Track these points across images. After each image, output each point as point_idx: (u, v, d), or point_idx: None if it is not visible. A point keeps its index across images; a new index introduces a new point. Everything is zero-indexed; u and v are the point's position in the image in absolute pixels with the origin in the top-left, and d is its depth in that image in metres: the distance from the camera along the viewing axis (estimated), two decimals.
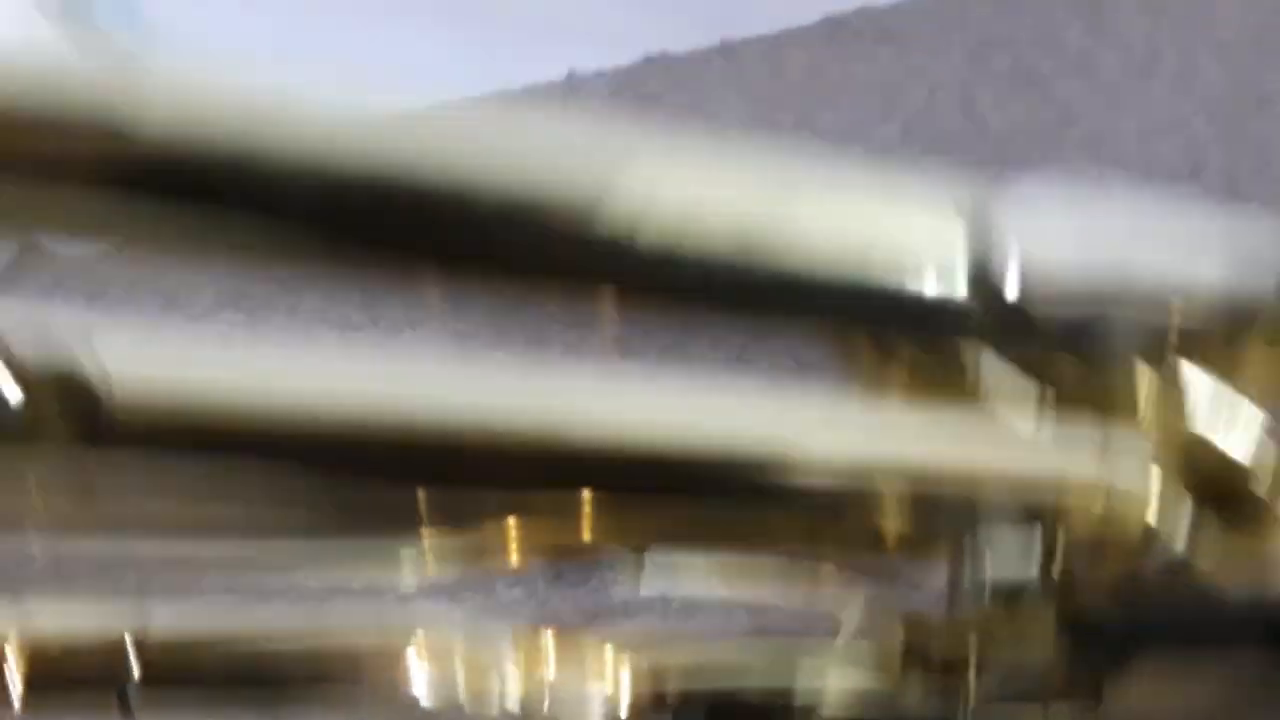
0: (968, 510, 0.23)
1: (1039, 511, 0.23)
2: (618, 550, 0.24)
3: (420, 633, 0.27)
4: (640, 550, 0.24)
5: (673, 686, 0.27)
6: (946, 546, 0.24)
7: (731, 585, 0.30)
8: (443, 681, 0.28)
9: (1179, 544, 0.23)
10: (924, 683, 0.27)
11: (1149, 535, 0.22)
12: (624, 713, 0.27)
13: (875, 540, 0.24)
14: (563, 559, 0.26)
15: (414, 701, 0.27)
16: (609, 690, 0.27)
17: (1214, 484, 0.22)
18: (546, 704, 0.27)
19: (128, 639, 0.24)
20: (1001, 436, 0.23)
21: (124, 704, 0.24)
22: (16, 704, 0.23)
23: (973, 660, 0.26)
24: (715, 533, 0.23)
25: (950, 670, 0.26)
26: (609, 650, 0.28)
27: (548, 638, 0.28)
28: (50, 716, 0.24)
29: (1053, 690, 0.26)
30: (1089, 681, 0.25)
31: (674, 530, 0.23)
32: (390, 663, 0.27)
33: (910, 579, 0.27)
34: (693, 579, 0.30)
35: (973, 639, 0.26)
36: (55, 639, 0.23)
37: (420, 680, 0.27)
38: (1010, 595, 0.24)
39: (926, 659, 0.27)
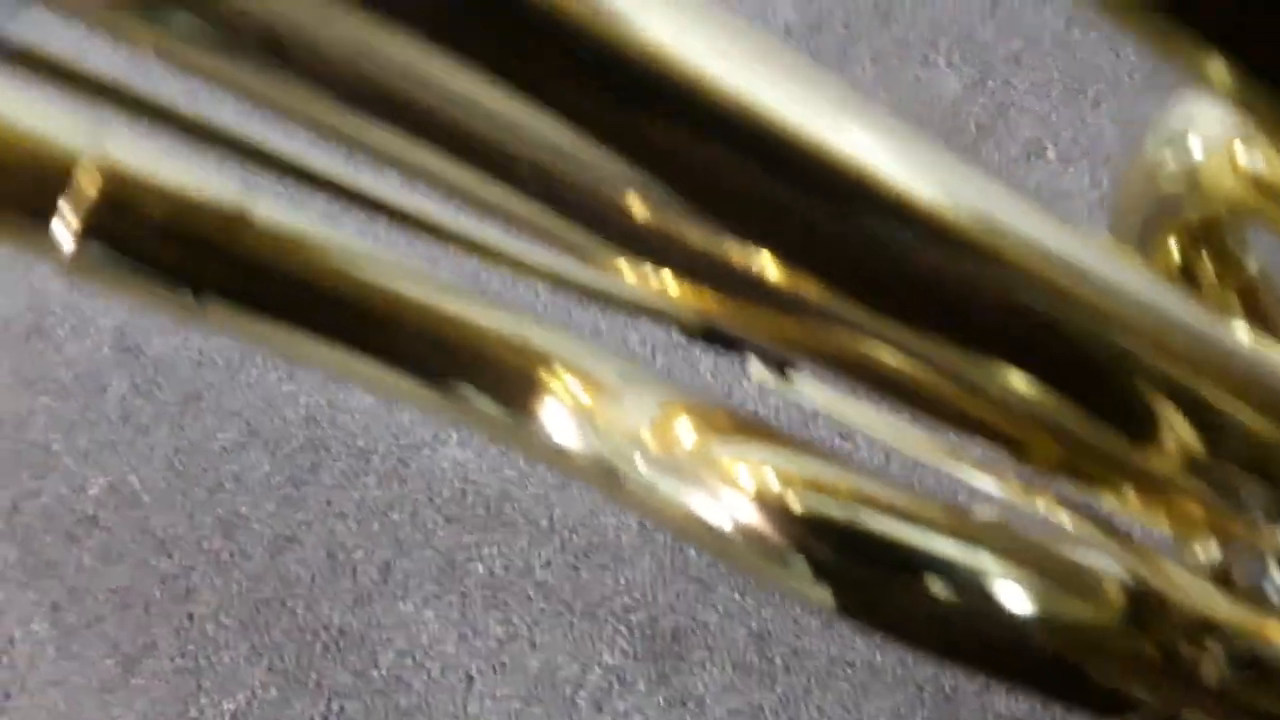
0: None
1: None
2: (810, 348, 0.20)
3: (555, 356, 0.24)
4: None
5: (810, 505, 0.22)
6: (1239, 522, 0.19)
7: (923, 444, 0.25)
8: (576, 420, 0.24)
9: None
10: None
11: None
12: (743, 512, 0.22)
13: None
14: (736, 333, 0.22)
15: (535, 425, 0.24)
16: (742, 482, 0.23)
17: None
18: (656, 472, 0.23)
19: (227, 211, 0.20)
20: None
21: (198, 284, 0.21)
22: (67, 245, 0.20)
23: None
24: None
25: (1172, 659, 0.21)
26: (755, 438, 0.24)
27: (693, 406, 0.24)
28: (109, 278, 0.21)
29: None
30: None
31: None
32: (520, 380, 0.24)
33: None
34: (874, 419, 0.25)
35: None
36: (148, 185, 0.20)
37: (551, 408, 0.24)
38: None
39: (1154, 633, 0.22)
